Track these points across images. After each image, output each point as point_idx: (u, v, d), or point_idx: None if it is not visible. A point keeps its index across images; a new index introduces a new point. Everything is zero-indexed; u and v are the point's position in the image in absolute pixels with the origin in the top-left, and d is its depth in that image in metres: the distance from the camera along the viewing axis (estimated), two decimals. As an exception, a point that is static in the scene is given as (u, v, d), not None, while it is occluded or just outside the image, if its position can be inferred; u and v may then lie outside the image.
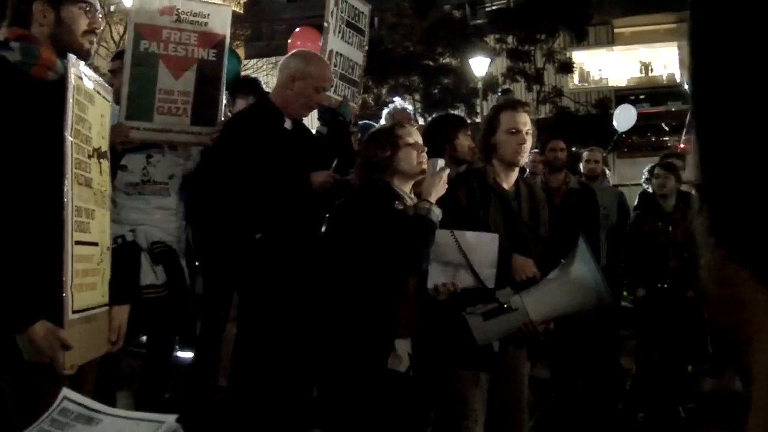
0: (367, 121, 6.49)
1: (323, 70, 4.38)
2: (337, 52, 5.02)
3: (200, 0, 4.39)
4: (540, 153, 8.12)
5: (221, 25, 4.42)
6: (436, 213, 3.61)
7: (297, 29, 8.06)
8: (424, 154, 3.77)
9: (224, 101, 5.72)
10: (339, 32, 5.04)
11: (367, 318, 3.59)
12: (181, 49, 4.22)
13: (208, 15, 4.33)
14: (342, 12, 5.05)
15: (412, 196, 3.78)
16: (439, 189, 3.68)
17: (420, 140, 3.83)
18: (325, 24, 4.96)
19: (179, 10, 4.22)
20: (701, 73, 0.47)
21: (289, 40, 7.87)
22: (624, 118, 15.12)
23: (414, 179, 3.78)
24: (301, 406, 4.27)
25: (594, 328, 5.77)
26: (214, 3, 4.63)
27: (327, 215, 4.18)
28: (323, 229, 4.27)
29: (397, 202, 3.66)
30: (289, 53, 4.49)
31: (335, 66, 5.00)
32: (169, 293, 4.46)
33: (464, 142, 4.81)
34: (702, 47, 0.48)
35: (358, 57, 5.31)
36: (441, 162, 3.78)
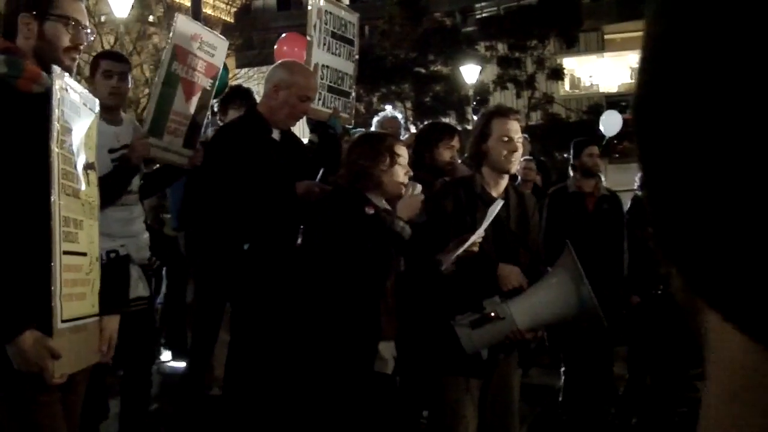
0: (358, 129, 6.51)
1: (307, 79, 4.41)
2: (323, 65, 5.02)
3: (212, 32, 4.62)
4: (532, 160, 8.14)
5: (221, 57, 4.59)
6: (408, 232, 3.71)
7: (283, 35, 8.05)
8: (408, 177, 3.85)
9: (215, 109, 5.77)
10: (324, 44, 5.04)
11: (350, 321, 3.62)
12: (195, 76, 4.37)
13: (216, 47, 4.49)
14: (326, 24, 5.05)
15: (384, 202, 3.82)
16: (413, 210, 3.80)
17: (407, 161, 3.90)
18: (308, 38, 4.97)
19: (202, 39, 4.36)
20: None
21: (276, 46, 7.89)
22: (610, 123, 15.44)
23: (390, 197, 3.83)
24: (295, 412, 4.27)
25: (587, 334, 5.77)
26: (220, 36, 4.78)
27: (302, 226, 4.24)
28: (299, 240, 4.33)
29: (367, 207, 3.69)
30: (275, 64, 4.53)
31: (322, 79, 5.00)
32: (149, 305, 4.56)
33: (444, 153, 4.87)
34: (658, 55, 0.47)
35: (348, 67, 5.30)
36: (419, 187, 3.85)
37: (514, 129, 3.97)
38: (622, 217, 6.40)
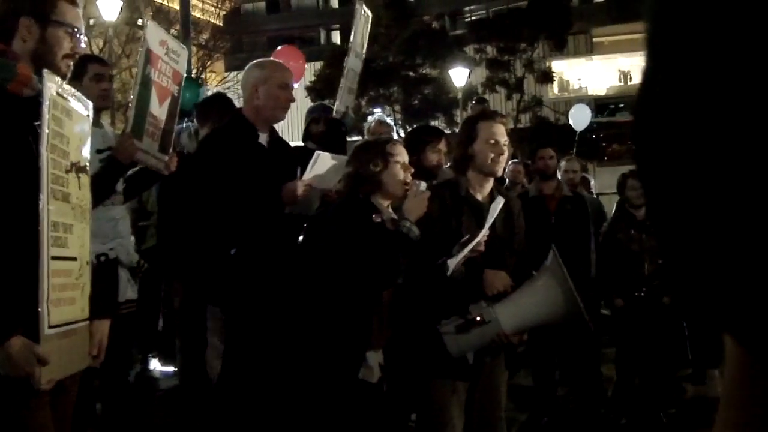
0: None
1: (280, 68, 4.49)
2: (350, 69, 5.13)
3: (175, 39, 4.74)
4: (521, 163, 8.16)
5: (184, 65, 4.69)
6: (415, 232, 3.69)
7: (279, 47, 8.18)
8: (410, 175, 3.84)
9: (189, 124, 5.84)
10: (355, 50, 5.17)
11: (341, 328, 3.63)
12: (165, 80, 4.43)
13: (180, 55, 4.56)
14: (362, 27, 5.18)
15: (391, 211, 3.83)
16: (420, 210, 3.76)
17: (407, 159, 3.88)
18: (349, 45, 5.16)
19: (168, 45, 4.44)
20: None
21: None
22: (579, 117, 15.62)
23: (396, 198, 3.83)
24: (281, 416, 4.28)
25: (574, 336, 5.80)
26: (181, 44, 4.88)
27: (305, 225, 4.23)
28: (300, 238, 4.32)
29: (374, 215, 3.69)
30: (245, 69, 4.60)
31: (348, 82, 5.10)
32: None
33: (431, 156, 4.89)
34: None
35: (359, 65, 5.38)
36: (423, 184, 3.85)
37: (500, 132, 3.98)
38: (587, 217, 6.42)
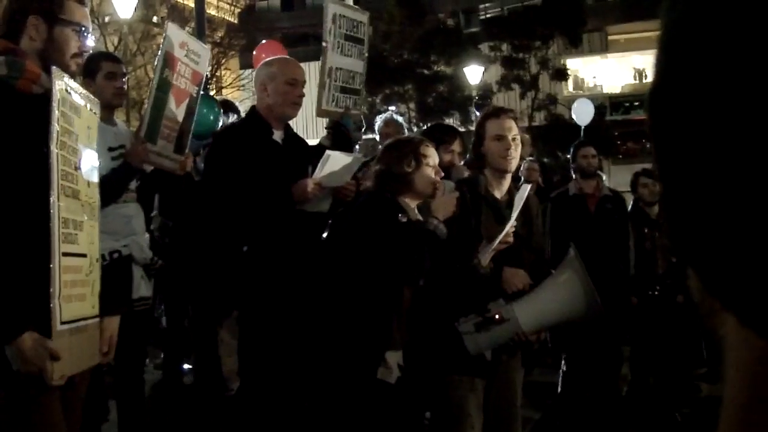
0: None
1: (287, 65, 4.51)
2: (336, 68, 5.10)
3: (197, 40, 4.75)
4: (536, 161, 8.13)
5: (205, 65, 4.72)
6: (442, 230, 3.70)
7: (263, 41, 8.27)
8: (439, 177, 3.85)
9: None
10: (338, 48, 5.12)
11: (361, 327, 3.62)
12: (183, 82, 4.45)
13: (200, 55, 4.58)
14: (340, 28, 5.13)
15: (416, 212, 3.83)
16: (448, 209, 3.77)
17: (438, 161, 3.91)
18: (324, 43, 5.07)
19: (188, 47, 4.46)
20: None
21: (254, 52, 8.12)
22: (582, 112, 15.66)
23: (423, 198, 3.84)
24: (297, 415, 4.28)
25: (595, 335, 5.76)
26: (203, 45, 4.92)
27: (330, 221, 4.25)
28: (324, 235, 4.34)
29: (400, 215, 3.69)
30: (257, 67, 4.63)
31: (335, 81, 5.09)
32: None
33: (444, 156, 4.91)
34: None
35: (359, 66, 5.36)
36: (451, 184, 3.85)
37: (507, 127, 3.98)
38: (626, 216, 6.40)
